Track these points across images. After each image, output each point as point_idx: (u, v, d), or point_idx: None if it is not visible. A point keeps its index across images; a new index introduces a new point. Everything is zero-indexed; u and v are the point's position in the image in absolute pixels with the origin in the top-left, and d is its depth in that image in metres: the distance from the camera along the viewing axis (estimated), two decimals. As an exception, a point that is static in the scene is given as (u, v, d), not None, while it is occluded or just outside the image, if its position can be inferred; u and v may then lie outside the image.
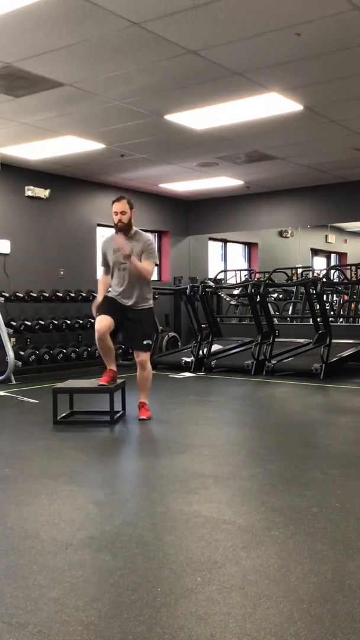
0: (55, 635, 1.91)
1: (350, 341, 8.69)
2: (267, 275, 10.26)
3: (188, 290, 8.94)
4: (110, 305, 5.26)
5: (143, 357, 5.31)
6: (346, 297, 10.66)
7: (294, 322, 10.30)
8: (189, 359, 8.69)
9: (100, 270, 5.54)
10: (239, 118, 6.35)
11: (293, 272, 11.36)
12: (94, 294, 8.90)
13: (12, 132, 6.86)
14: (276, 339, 8.45)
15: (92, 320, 8.54)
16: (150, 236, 5.36)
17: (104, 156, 7.96)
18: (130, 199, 5.29)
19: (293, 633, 1.90)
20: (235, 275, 11.76)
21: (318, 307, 8.38)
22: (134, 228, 5.27)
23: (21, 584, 2.27)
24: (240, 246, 13.13)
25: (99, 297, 5.36)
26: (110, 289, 5.42)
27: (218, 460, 4.01)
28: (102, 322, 5.12)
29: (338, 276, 11.84)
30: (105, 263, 5.40)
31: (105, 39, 4.45)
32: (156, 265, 5.39)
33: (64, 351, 8.31)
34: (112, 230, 5.42)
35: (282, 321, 10.22)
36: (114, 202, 5.25)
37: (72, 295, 8.79)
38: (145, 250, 5.21)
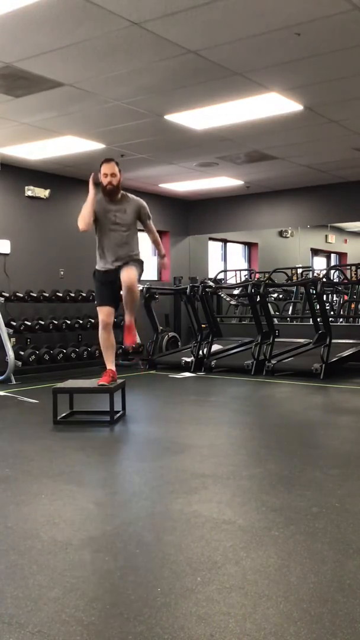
0: (55, 635, 1.91)
1: (350, 341, 8.69)
2: (267, 275, 10.26)
3: (188, 290, 8.95)
4: (104, 292, 5.29)
5: (130, 274, 5.04)
6: (346, 297, 10.66)
7: (294, 322, 10.30)
8: (189, 359, 8.69)
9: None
10: (239, 118, 6.35)
11: (293, 272, 11.36)
12: (94, 294, 8.94)
13: (12, 132, 6.86)
14: (276, 339, 8.45)
15: (93, 320, 8.60)
16: (139, 198, 5.38)
17: (104, 156, 7.93)
18: (118, 162, 5.26)
19: (293, 633, 1.90)
20: (235, 275, 11.76)
21: (318, 307, 8.38)
22: (121, 191, 5.26)
23: (21, 584, 2.27)
24: (240, 246, 13.13)
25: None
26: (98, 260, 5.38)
27: (218, 460, 4.00)
28: (105, 312, 5.20)
29: (338, 276, 11.84)
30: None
31: (105, 39, 4.46)
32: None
33: (64, 351, 8.31)
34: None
35: (282, 321, 10.22)
36: (102, 163, 5.19)
37: (72, 295, 8.79)
38: (144, 211, 5.28)
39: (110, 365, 5.34)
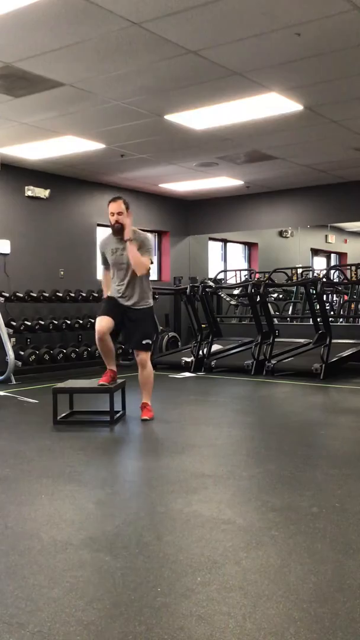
0: (55, 635, 1.91)
1: (350, 341, 8.69)
2: (267, 275, 10.26)
3: (188, 290, 8.94)
4: (110, 306, 5.27)
5: (143, 357, 5.31)
6: (346, 297, 10.66)
7: (294, 322, 10.30)
8: (189, 359, 8.69)
9: (100, 268, 5.59)
10: (239, 118, 6.35)
11: (293, 272, 11.36)
12: (94, 294, 8.96)
13: (12, 132, 6.86)
14: (276, 339, 8.45)
15: (92, 321, 8.59)
16: (147, 234, 5.37)
17: (104, 156, 7.96)
18: (126, 199, 5.29)
19: (293, 633, 1.90)
20: (235, 275, 11.76)
21: (318, 307, 8.38)
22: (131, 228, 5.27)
23: (21, 584, 2.27)
24: (240, 246, 13.13)
25: (105, 293, 5.44)
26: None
27: (218, 460, 4.01)
28: (102, 323, 5.13)
29: (338, 276, 11.85)
30: (105, 262, 5.43)
31: (105, 39, 4.45)
32: (151, 263, 5.36)
33: (64, 351, 8.31)
34: (103, 237, 5.51)
35: (282, 321, 10.22)
36: (109, 202, 5.26)
37: (72, 295, 8.79)
38: (142, 246, 5.21)
39: (111, 365, 5.35)
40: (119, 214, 5.17)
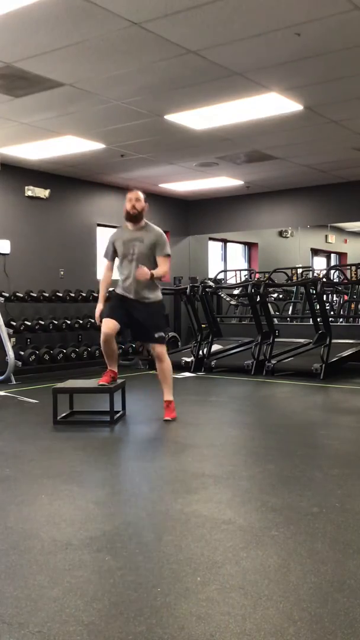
0: (55, 635, 1.91)
1: (350, 341, 8.69)
2: (267, 275, 10.26)
3: (188, 290, 8.94)
4: (115, 307, 5.21)
5: (159, 350, 5.24)
6: (346, 297, 10.66)
7: (294, 322, 10.30)
8: (189, 359, 8.69)
9: (102, 264, 5.44)
10: (239, 118, 6.35)
11: (293, 272, 11.36)
12: (94, 294, 8.95)
13: (12, 132, 6.86)
14: (276, 339, 8.45)
15: (92, 321, 8.60)
16: (160, 230, 5.32)
17: (104, 156, 7.96)
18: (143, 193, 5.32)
19: (293, 633, 1.90)
20: (235, 275, 11.76)
21: (318, 307, 8.38)
22: (144, 220, 5.26)
23: (21, 584, 2.27)
24: (240, 246, 13.13)
25: (100, 303, 5.29)
26: (113, 287, 5.39)
27: (218, 460, 4.01)
28: (109, 325, 5.08)
29: (338, 276, 11.85)
30: (111, 255, 5.30)
31: (105, 39, 4.46)
32: (168, 256, 5.27)
33: (64, 351, 8.30)
34: (114, 230, 5.48)
35: (282, 321, 10.22)
36: (128, 193, 5.27)
37: (72, 295, 8.79)
38: (159, 243, 5.17)
39: (112, 366, 5.34)
40: (137, 200, 5.16)
